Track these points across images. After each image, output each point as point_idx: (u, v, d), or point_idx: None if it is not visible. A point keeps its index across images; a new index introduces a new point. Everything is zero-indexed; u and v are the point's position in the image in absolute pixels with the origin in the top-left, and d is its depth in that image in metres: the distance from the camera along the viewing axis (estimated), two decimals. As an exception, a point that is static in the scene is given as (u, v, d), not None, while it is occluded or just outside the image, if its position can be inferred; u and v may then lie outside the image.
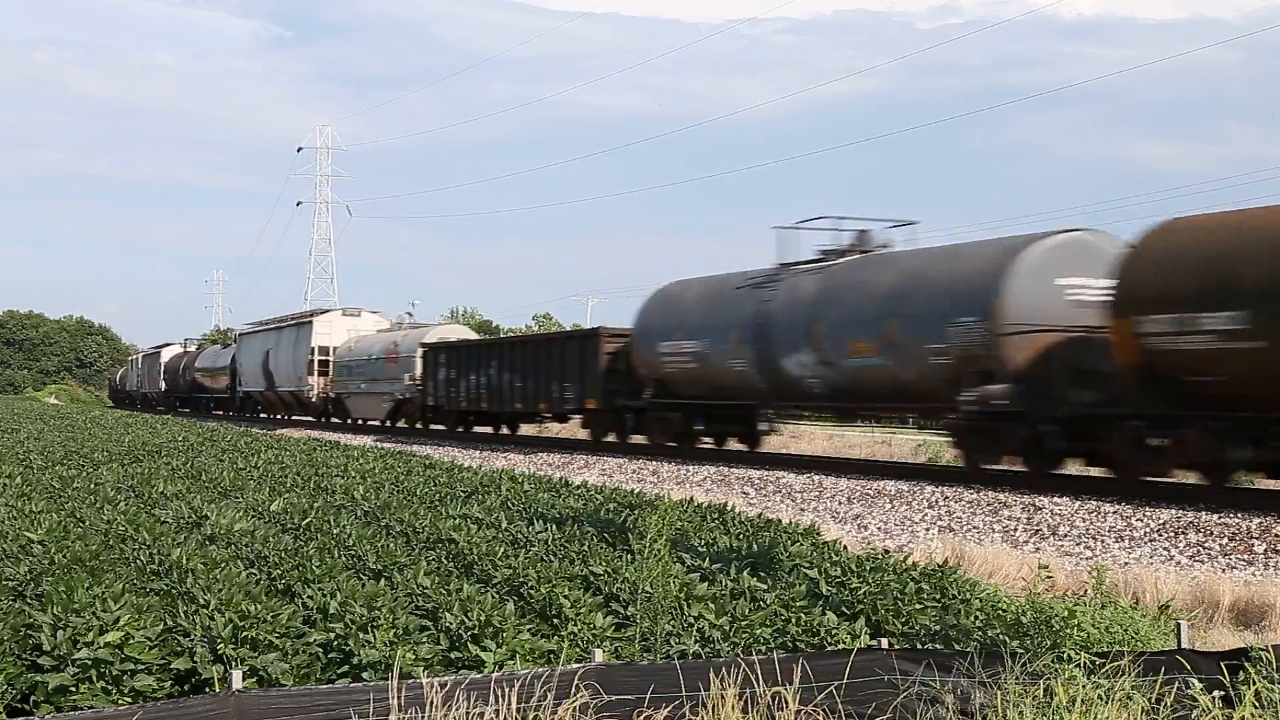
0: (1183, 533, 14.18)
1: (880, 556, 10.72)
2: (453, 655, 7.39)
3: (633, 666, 6.43)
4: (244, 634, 7.30)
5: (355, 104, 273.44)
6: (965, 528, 15.63)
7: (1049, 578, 11.27)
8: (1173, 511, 15.37)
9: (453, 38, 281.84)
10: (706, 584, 9.37)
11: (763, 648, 7.88)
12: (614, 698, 6.06)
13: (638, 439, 28.69)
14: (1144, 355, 16.52)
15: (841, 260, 23.17)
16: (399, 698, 5.73)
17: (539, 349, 32.79)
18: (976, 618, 8.73)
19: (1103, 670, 6.23)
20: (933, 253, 21.57)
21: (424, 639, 7.50)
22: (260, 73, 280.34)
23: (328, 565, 9.82)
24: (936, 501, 17.53)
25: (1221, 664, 6.46)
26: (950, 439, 21.25)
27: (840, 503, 18.38)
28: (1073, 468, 20.23)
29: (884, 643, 7.30)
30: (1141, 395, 16.79)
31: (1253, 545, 13.35)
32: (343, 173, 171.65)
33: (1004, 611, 8.73)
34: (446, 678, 6.00)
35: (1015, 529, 15.28)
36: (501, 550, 10.60)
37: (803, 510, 17.95)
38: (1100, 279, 18.11)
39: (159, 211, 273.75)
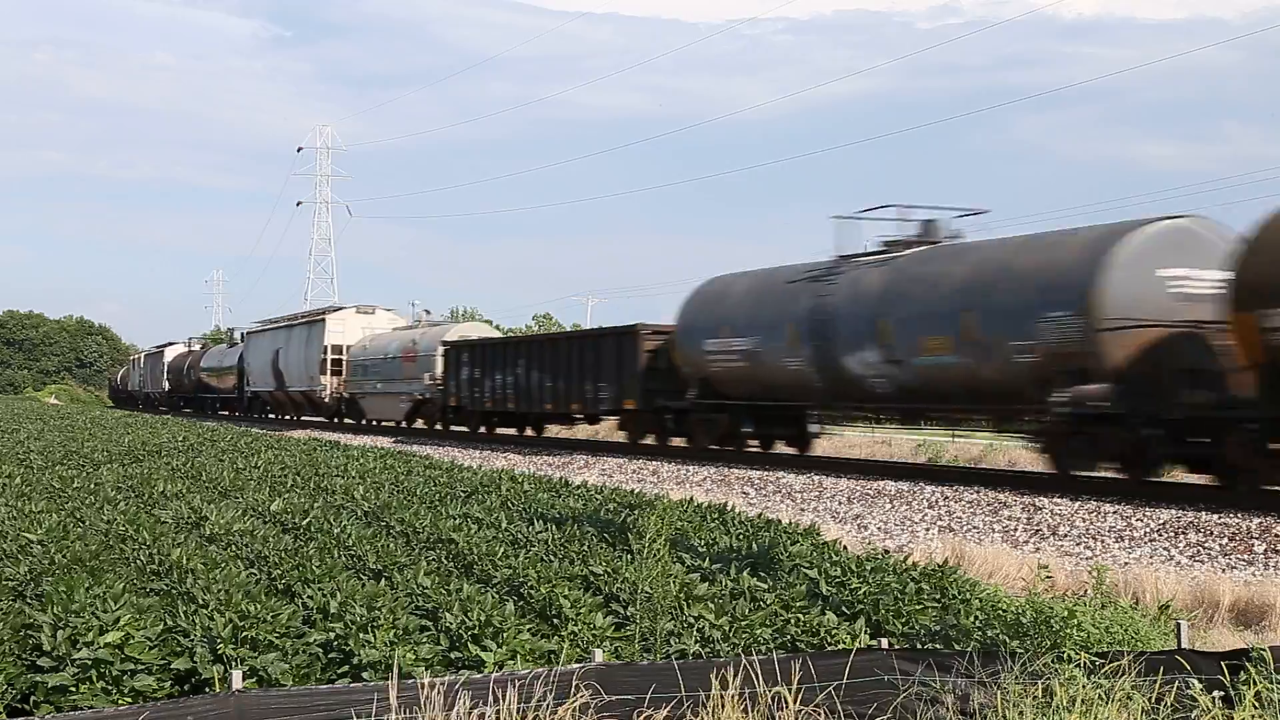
0: (1183, 533, 14.18)
1: (880, 556, 10.72)
2: (453, 655, 7.39)
3: (633, 666, 6.43)
4: (244, 634, 7.30)
5: (355, 104, 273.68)
6: (965, 528, 15.63)
7: (1049, 578, 11.26)
8: (1173, 511, 15.37)
9: (453, 38, 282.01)
10: (706, 584, 9.37)
11: (763, 648, 7.88)
12: (614, 698, 6.06)
13: (677, 441, 27.55)
14: (1270, 353, 15.25)
15: (909, 251, 21.49)
16: (397, 698, 5.73)
17: (572, 347, 31.34)
18: (976, 618, 8.73)
19: (1103, 670, 6.23)
20: (1014, 242, 19.94)
21: (424, 639, 7.50)
22: (260, 73, 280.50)
23: (328, 565, 9.82)
24: (936, 501, 17.53)
25: (1222, 664, 6.46)
26: (1037, 444, 19.48)
27: (840, 503, 18.38)
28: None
29: (884, 643, 7.30)
30: (1272, 396, 15.38)
31: (1253, 545, 13.35)
32: (343, 173, 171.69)
33: (1004, 611, 8.73)
34: (446, 678, 6.00)
35: (1015, 529, 15.29)
36: (501, 550, 10.61)
37: (803, 510, 17.95)
38: (1207, 270, 16.99)
39: (159, 211, 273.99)
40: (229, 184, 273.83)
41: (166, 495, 16.39)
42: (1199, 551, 13.38)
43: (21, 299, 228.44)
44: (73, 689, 6.86)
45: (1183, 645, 6.87)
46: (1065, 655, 6.48)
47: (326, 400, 47.79)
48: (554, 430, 36.60)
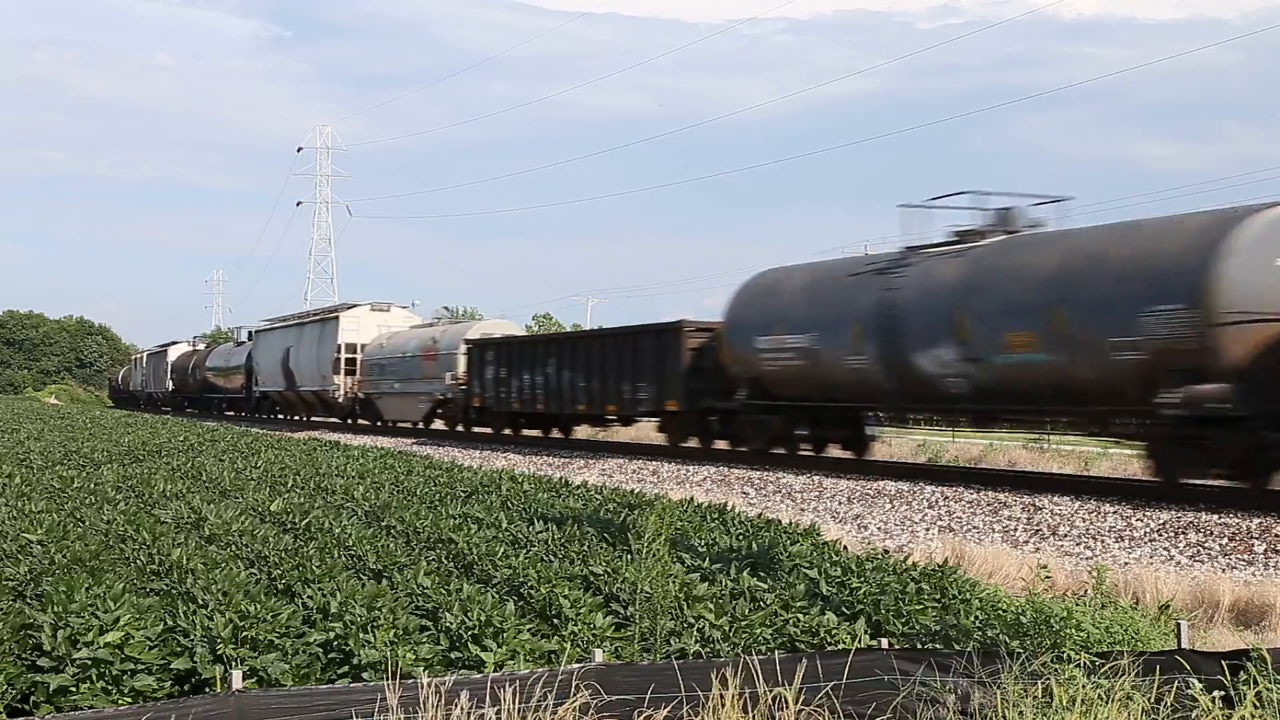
0: (1183, 533, 14.18)
1: (880, 556, 10.72)
2: (453, 655, 7.39)
3: (633, 666, 6.43)
4: (244, 634, 7.31)
5: (355, 104, 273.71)
6: (965, 528, 15.63)
7: (1049, 578, 11.27)
8: (1173, 511, 15.36)
9: (453, 38, 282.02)
10: (706, 584, 9.37)
11: (763, 648, 7.88)
12: (614, 698, 6.06)
13: (721, 445, 26.06)
14: None
15: (987, 241, 19.92)
16: (397, 698, 5.73)
17: (608, 345, 29.62)
18: (976, 618, 8.73)
19: (1103, 670, 6.22)
20: (1109, 230, 18.34)
21: (424, 639, 7.50)
22: (260, 73, 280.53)
23: (328, 565, 9.82)
24: (936, 501, 17.53)
25: (1222, 664, 6.46)
26: (1140, 449, 17.98)
27: (840, 503, 18.38)
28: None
29: (884, 643, 7.30)
30: None
31: (1253, 545, 13.35)
32: (343, 173, 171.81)
33: (1004, 611, 8.73)
34: (446, 678, 6.00)
35: (1015, 529, 15.29)
36: (501, 550, 10.61)
37: (803, 510, 17.95)
38: None
39: (159, 211, 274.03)
40: (229, 184, 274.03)
41: (166, 495, 16.39)
42: (1199, 551, 13.38)
43: (21, 299, 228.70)
44: (73, 689, 6.86)
45: (1183, 645, 6.86)
46: (1065, 655, 6.48)
47: (340, 400, 46.24)
48: (584, 432, 35.14)
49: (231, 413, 63.02)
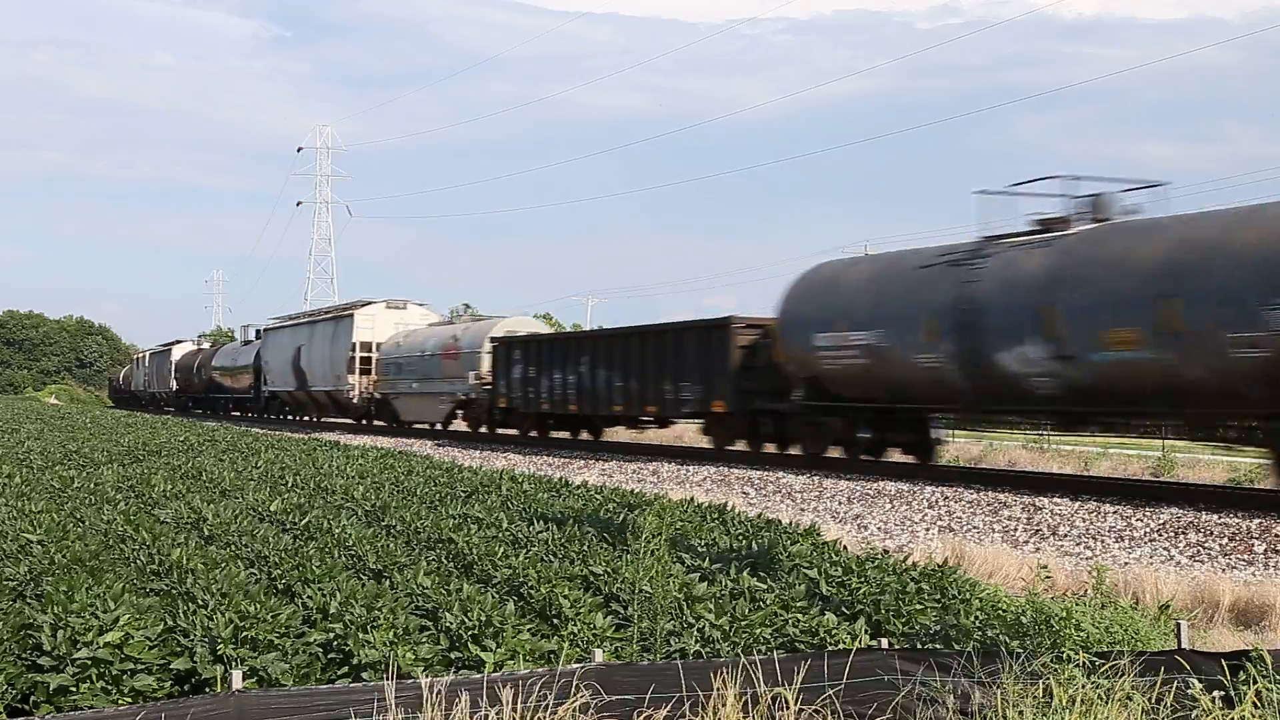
0: (1183, 533, 14.18)
1: (880, 556, 10.72)
2: (453, 655, 7.39)
3: (632, 667, 6.43)
4: (244, 634, 7.31)
5: (355, 104, 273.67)
6: (965, 528, 15.63)
7: (1049, 578, 11.27)
8: (1173, 511, 15.37)
9: (453, 38, 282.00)
10: (706, 584, 9.37)
11: (763, 648, 7.88)
12: (614, 698, 6.06)
13: (770, 448, 24.70)
14: None
15: (1078, 230, 18.39)
16: (396, 698, 5.73)
17: (648, 343, 28.04)
18: (976, 618, 8.73)
19: (1102, 670, 6.23)
20: (1229, 215, 16.74)
21: (424, 639, 7.50)
22: (260, 73, 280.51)
23: (328, 565, 9.82)
24: (936, 501, 17.53)
25: (1222, 664, 6.46)
26: (1267, 456, 16.62)
27: (840, 503, 18.38)
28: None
29: (884, 643, 7.30)
30: None
31: (1253, 545, 13.36)
32: (343, 173, 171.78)
33: (1004, 611, 8.73)
34: (446, 678, 6.00)
35: (1015, 529, 15.29)
36: (501, 550, 10.61)
37: (803, 510, 17.95)
38: None
39: (159, 211, 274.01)
40: (229, 184, 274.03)
41: (166, 495, 16.39)
42: (1199, 551, 13.39)
43: (21, 299, 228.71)
44: (73, 689, 6.86)
45: (1183, 645, 6.87)
46: (1065, 655, 6.48)
47: (355, 401, 44.55)
48: (615, 434, 33.71)
49: (237, 413, 61.71)
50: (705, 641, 8.01)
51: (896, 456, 22.75)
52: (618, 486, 18.82)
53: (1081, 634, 7.92)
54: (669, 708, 6.04)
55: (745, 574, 9.67)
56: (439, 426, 39.59)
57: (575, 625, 8.02)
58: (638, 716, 6.03)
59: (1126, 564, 12.86)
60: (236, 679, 5.95)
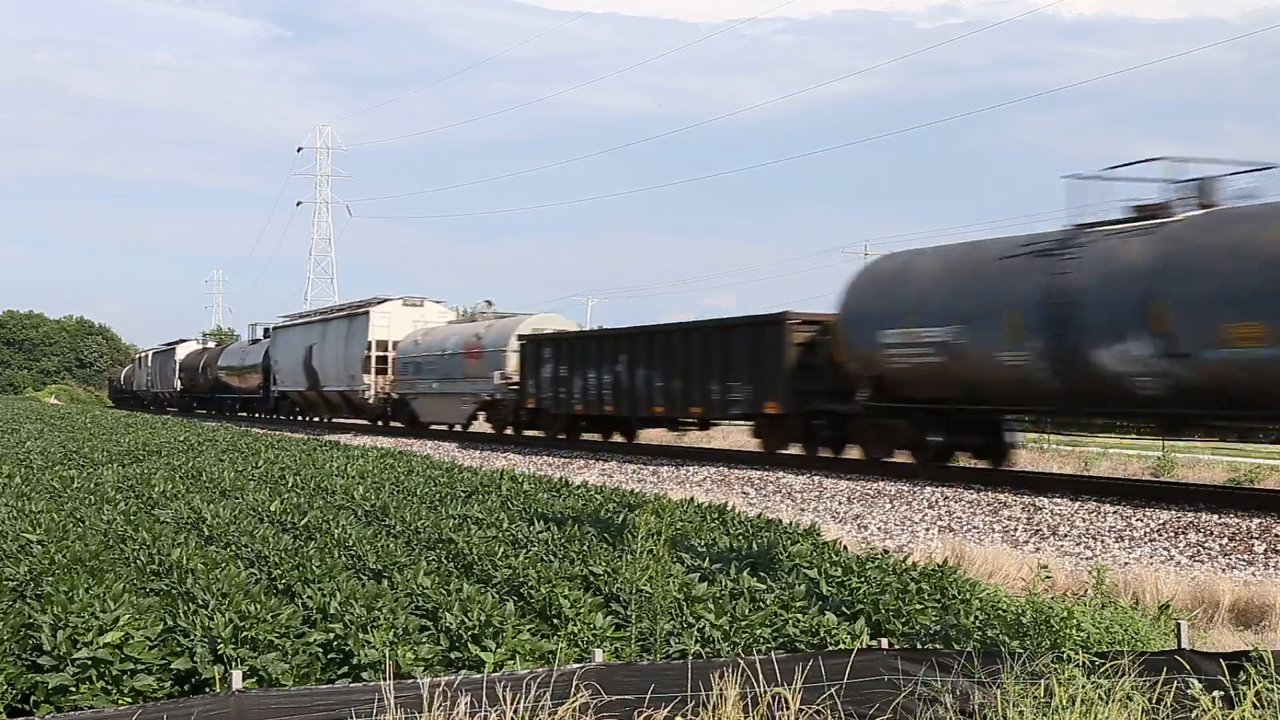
0: (1183, 533, 14.19)
1: (880, 556, 10.73)
2: (453, 655, 7.39)
3: (632, 667, 6.43)
4: (244, 634, 7.31)
5: (355, 104, 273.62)
6: (965, 528, 15.63)
7: (1049, 578, 11.27)
8: (1173, 511, 15.38)
9: (453, 38, 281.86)
10: (706, 584, 9.37)
11: (763, 648, 7.88)
12: (614, 698, 6.06)
13: (825, 453, 23.35)
14: None
15: (1186, 216, 16.99)
16: (395, 698, 5.73)
17: (693, 340, 26.50)
18: (976, 618, 8.73)
19: (1103, 670, 6.23)
20: None
21: (424, 639, 7.50)
22: (260, 73, 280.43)
23: (328, 565, 9.83)
24: (936, 501, 17.53)
25: (1222, 664, 6.46)
26: None
27: (840, 503, 18.38)
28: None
29: (884, 643, 7.31)
30: None
31: (1253, 545, 13.36)
32: (343, 173, 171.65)
33: (1004, 611, 8.74)
34: (446, 678, 6.01)
35: (1015, 529, 15.29)
36: (501, 550, 10.61)
37: (803, 510, 17.95)
38: None
39: (159, 211, 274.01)
40: (229, 184, 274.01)
41: (166, 495, 16.39)
42: (1199, 551, 13.39)
43: (21, 299, 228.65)
44: (73, 689, 6.86)
45: (1183, 645, 6.87)
46: (1065, 655, 6.48)
47: (370, 401, 42.82)
48: (650, 436, 32.33)
49: (245, 414, 60.15)
50: (705, 641, 8.01)
51: (964, 461, 21.66)
52: (618, 486, 18.82)
53: (1082, 634, 7.92)
54: (669, 708, 6.04)
55: (745, 574, 9.67)
56: (458, 428, 38.39)
57: (575, 625, 8.02)
58: (638, 717, 6.03)
59: (1126, 564, 12.86)
60: (236, 679, 5.95)
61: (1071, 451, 28.69)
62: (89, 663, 6.95)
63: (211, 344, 71.83)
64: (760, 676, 6.10)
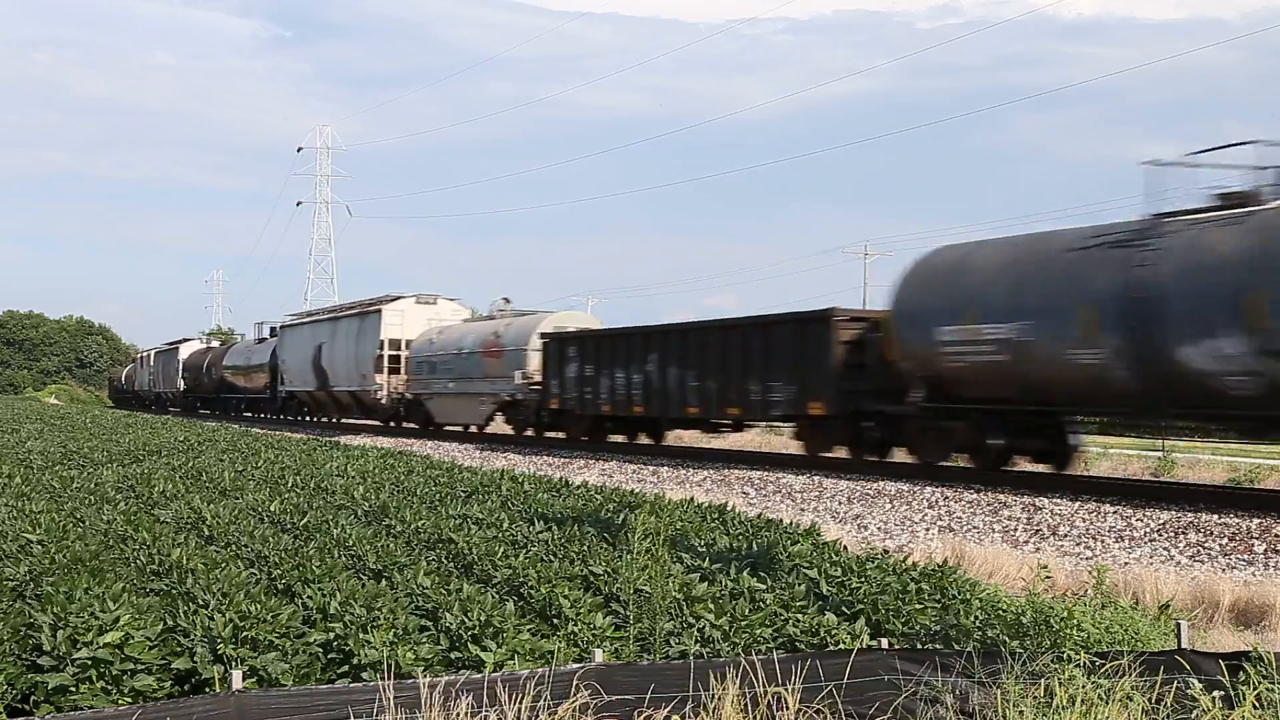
0: (1183, 533, 14.19)
1: (880, 556, 10.73)
2: (453, 655, 7.39)
3: (632, 667, 6.43)
4: (244, 634, 7.31)
5: (355, 104, 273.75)
6: (965, 528, 15.63)
7: (1049, 578, 11.27)
8: (1173, 511, 15.38)
9: (453, 38, 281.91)
10: (706, 584, 9.37)
11: (763, 648, 7.88)
12: (614, 698, 6.07)
13: (872, 456, 22.29)
14: None
15: None
16: (394, 698, 5.73)
17: (730, 338, 25.28)
18: (976, 618, 8.74)
19: (1103, 670, 6.23)
20: None
21: (424, 639, 7.50)
22: (260, 73, 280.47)
23: (328, 565, 9.83)
24: (936, 501, 17.53)
25: (1222, 664, 6.46)
26: None
27: (840, 503, 18.38)
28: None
29: (884, 643, 7.31)
30: None
31: (1253, 545, 13.36)
32: (343, 173, 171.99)
33: (1004, 611, 8.74)
34: (446, 678, 6.01)
35: (1015, 529, 15.29)
36: (501, 550, 10.61)
37: (803, 510, 17.95)
38: None
39: (159, 211, 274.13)
40: (229, 184, 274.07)
41: (166, 495, 16.39)
42: (1199, 551, 13.39)
43: (21, 299, 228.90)
44: (73, 689, 6.86)
45: (1183, 645, 6.87)
46: (1065, 655, 6.48)
47: (383, 402, 41.57)
48: (677, 437, 31.34)
49: (250, 414, 59.10)
50: (705, 641, 8.01)
51: (1023, 466, 20.69)
52: (618, 486, 18.82)
53: (1082, 634, 7.92)
54: (669, 708, 6.04)
55: (745, 574, 9.67)
56: (474, 429, 37.34)
57: (575, 625, 8.02)
58: (638, 716, 6.03)
59: (1126, 564, 12.86)
60: (236, 679, 5.95)
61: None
62: (89, 663, 6.95)
63: (216, 344, 70.68)
64: (760, 676, 6.10)
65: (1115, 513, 15.50)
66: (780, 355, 23.55)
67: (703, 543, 11.72)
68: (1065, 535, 14.67)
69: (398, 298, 42.87)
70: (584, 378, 29.91)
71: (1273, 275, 15.26)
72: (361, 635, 7.34)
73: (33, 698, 6.93)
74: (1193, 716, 6.07)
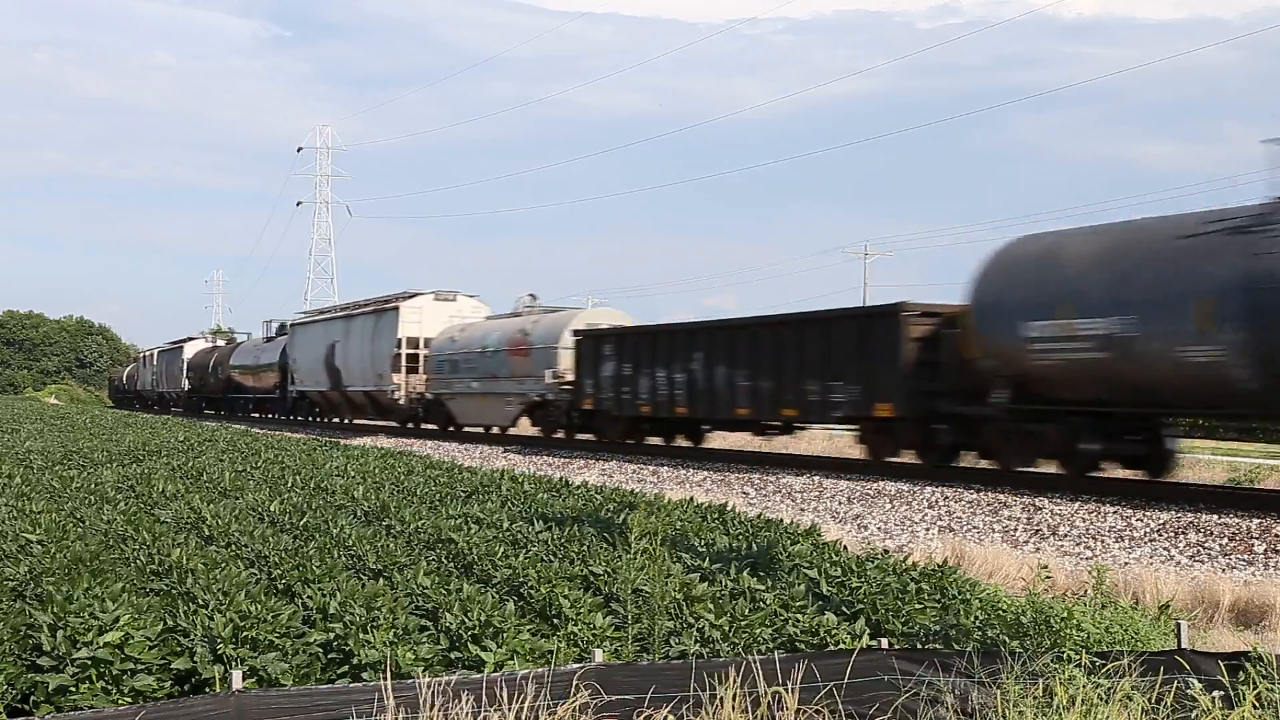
0: (1183, 533, 14.19)
1: (880, 556, 10.73)
2: (453, 655, 7.39)
3: (632, 667, 6.43)
4: (244, 634, 7.31)
5: (355, 104, 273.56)
6: (965, 528, 15.64)
7: (1049, 578, 11.28)
8: (1173, 511, 15.38)
9: (453, 38, 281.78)
10: (706, 584, 9.37)
11: (763, 648, 7.88)
12: (614, 698, 6.07)
13: (932, 460, 20.83)
14: None
15: None
16: (394, 698, 5.74)
17: (785, 335, 23.82)
18: (976, 618, 8.74)
19: (1103, 670, 6.23)
20: None
21: (424, 639, 7.51)
22: (260, 73, 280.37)
23: (328, 565, 9.83)
24: (936, 501, 17.54)
25: (1221, 664, 6.46)
26: None
27: (840, 503, 18.39)
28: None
29: (884, 643, 7.31)
30: None
31: (1253, 545, 13.36)
32: (343, 173, 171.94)
33: (1004, 611, 8.74)
34: (446, 678, 6.01)
35: (1015, 529, 15.29)
36: (501, 550, 10.61)
37: (803, 510, 17.95)
38: None
39: (159, 211, 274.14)
40: (229, 184, 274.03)
41: (166, 495, 16.39)
42: (1199, 551, 13.39)
43: (21, 299, 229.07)
44: (73, 689, 6.86)
45: (1183, 645, 6.87)
46: (1065, 655, 6.48)
47: (401, 402, 40.14)
48: (715, 440, 30.10)
49: (257, 414, 57.93)
50: (705, 641, 8.02)
51: (1116, 472, 19.19)
52: (618, 486, 18.83)
53: (1082, 634, 7.92)
54: (669, 708, 6.04)
55: (745, 574, 9.67)
56: (495, 430, 36.21)
57: (575, 625, 8.02)
58: (637, 716, 6.03)
59: (1126, 564, 12.86)
60: (236, 679, 5.95)
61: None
62: (89, 663, 6.95)
63: (222, 343, 69.05)
64: (760, 676, 6.11)
65: (1115, 513, 15.51)
66: (843, 353, 22.15)
67: (702, 543, 11.73)
68: (1065, 535, 14.68)
69: (415, 294, 41.39)
70: (621, 377, 28.60)
71: None
72: (361, 635, 7.34)
73: (33, 698, 6.94)
74: (1193, 716, 6.07)
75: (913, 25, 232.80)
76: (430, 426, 40.17)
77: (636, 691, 6.10)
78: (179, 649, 7.28)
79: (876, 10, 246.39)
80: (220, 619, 7.41)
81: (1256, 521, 14.30)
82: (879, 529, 16.24)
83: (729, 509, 14.29)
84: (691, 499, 15.34)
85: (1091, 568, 11.42)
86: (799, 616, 8.47)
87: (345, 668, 7.21)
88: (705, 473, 22.98)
